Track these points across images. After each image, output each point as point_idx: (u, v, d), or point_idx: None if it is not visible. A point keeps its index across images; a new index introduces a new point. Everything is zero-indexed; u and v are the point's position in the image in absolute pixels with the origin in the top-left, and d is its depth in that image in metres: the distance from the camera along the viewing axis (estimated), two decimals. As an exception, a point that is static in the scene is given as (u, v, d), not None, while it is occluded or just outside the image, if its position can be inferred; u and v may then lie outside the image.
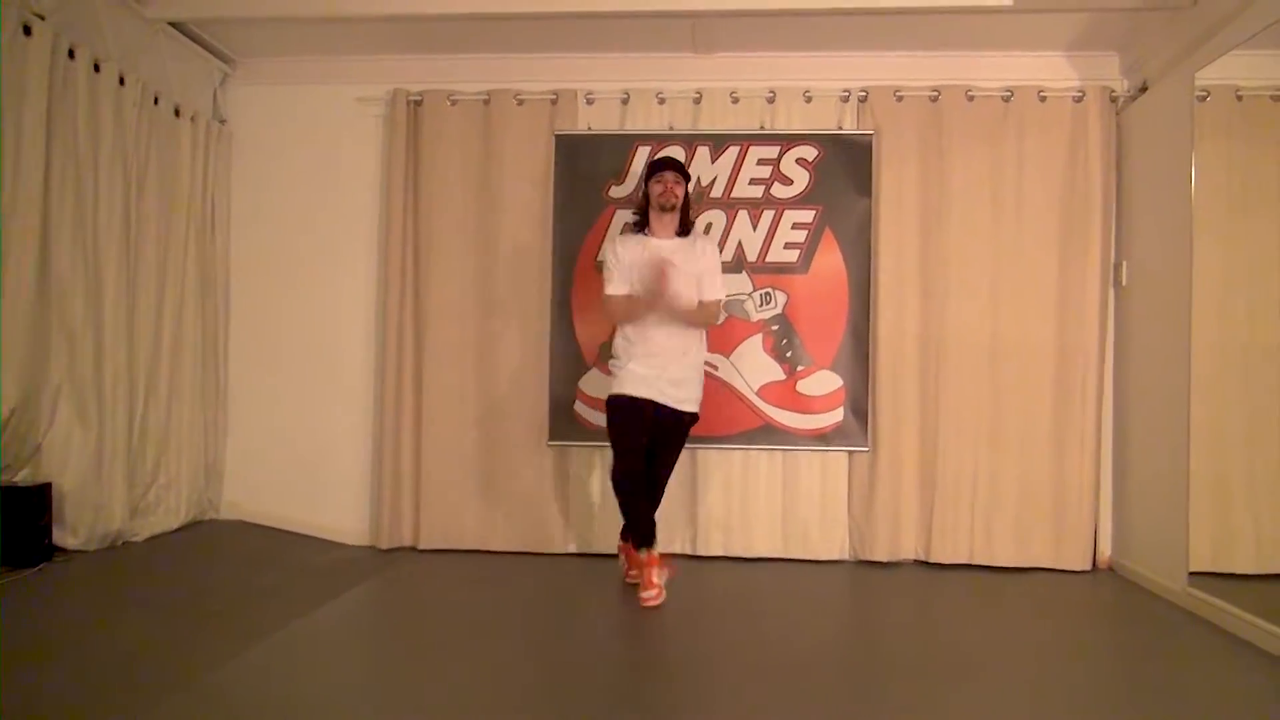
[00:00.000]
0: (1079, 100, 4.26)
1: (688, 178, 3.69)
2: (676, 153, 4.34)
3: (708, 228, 4.32)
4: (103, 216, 3.78)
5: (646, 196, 3.66)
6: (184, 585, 3.53)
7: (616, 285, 3.59)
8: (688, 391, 3.61)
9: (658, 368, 3.54)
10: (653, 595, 3.42)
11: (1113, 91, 4.28)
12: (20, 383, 3.42)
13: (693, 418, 3.68)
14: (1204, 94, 3.65)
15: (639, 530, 3.55)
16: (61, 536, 3.60)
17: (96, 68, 3.72)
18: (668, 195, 3.58)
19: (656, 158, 3.82)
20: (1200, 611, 3.46)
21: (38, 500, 3.43)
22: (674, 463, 3.74)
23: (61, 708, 2.26)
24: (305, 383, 4.62)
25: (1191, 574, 3.56)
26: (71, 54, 3.59)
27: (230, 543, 4.32)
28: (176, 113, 4.26)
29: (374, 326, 4.57)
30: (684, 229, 3.65)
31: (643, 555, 3.53)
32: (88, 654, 2.66)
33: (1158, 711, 2.56)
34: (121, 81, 3.86)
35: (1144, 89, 4.11)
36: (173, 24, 4.18)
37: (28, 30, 3.37)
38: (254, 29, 4.35)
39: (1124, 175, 4.26)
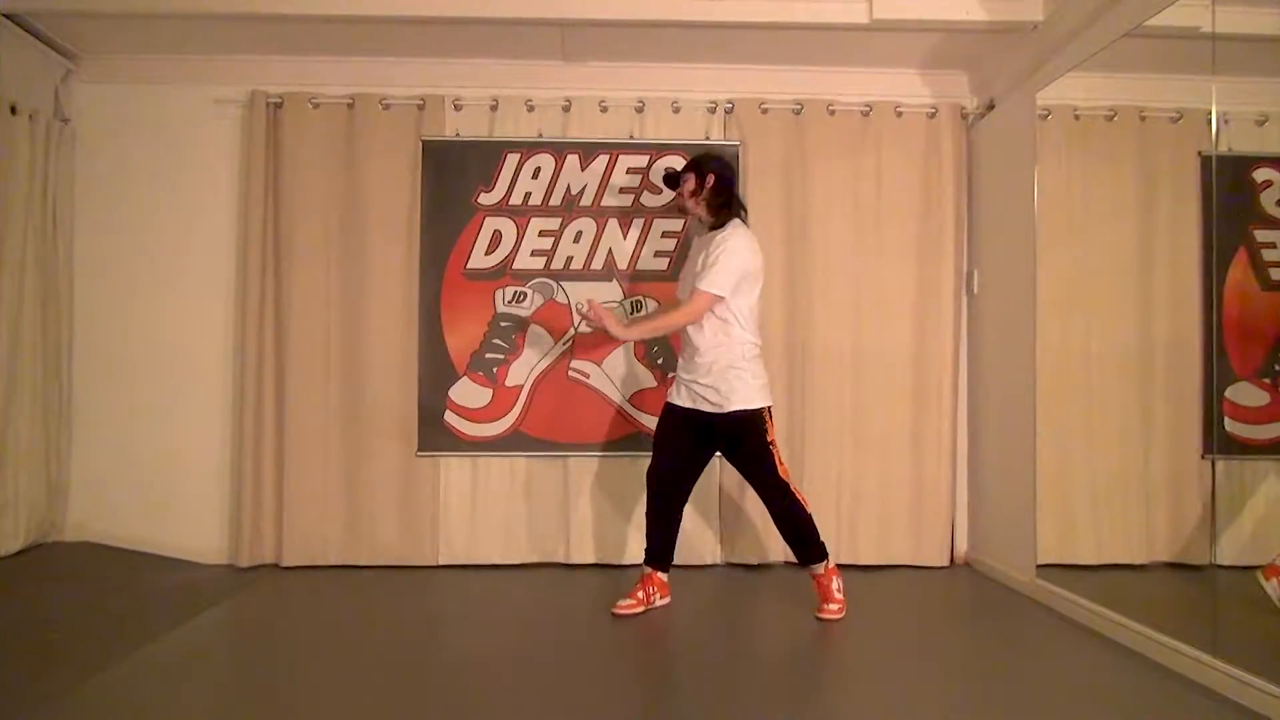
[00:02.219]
0: (933, 116, 4.46)
1: (680, 180, 3.66)
2: (546, 161, 4.34)
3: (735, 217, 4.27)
4: (-73, 219, 3.52)
5: None
6: (21, 614, 3.31)
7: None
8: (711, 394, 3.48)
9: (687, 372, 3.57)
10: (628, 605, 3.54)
11: (963, 108, 4.49)
12: None
13: (732, 417, 3.45)
14: (1045, 113, 3.88)
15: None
16: (-120, 564, 3.33)
17: (-81, 60, 3.48)
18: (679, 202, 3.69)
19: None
20: (1048, 601, 3.66)
21: None
22: (754, 476, 3.55)
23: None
24: (157, 395, 4.38)
25: (1040, 566, 3.77)
26: (-110, 44, 3.34)
27: (75, 566, 4.05)
28: (13, 110, 4.00)
29: (232, 336, 4.38)
30: (717, 223, 3.56)
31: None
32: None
33: (1008, 696, 2.71)
34: (-51, 75, 3.62)
35: (991, 107, 4.34)
36: (8, 16, 3.92)
37: None
38: (100, 24, 4.10)
39: (974, 188, 4.48)
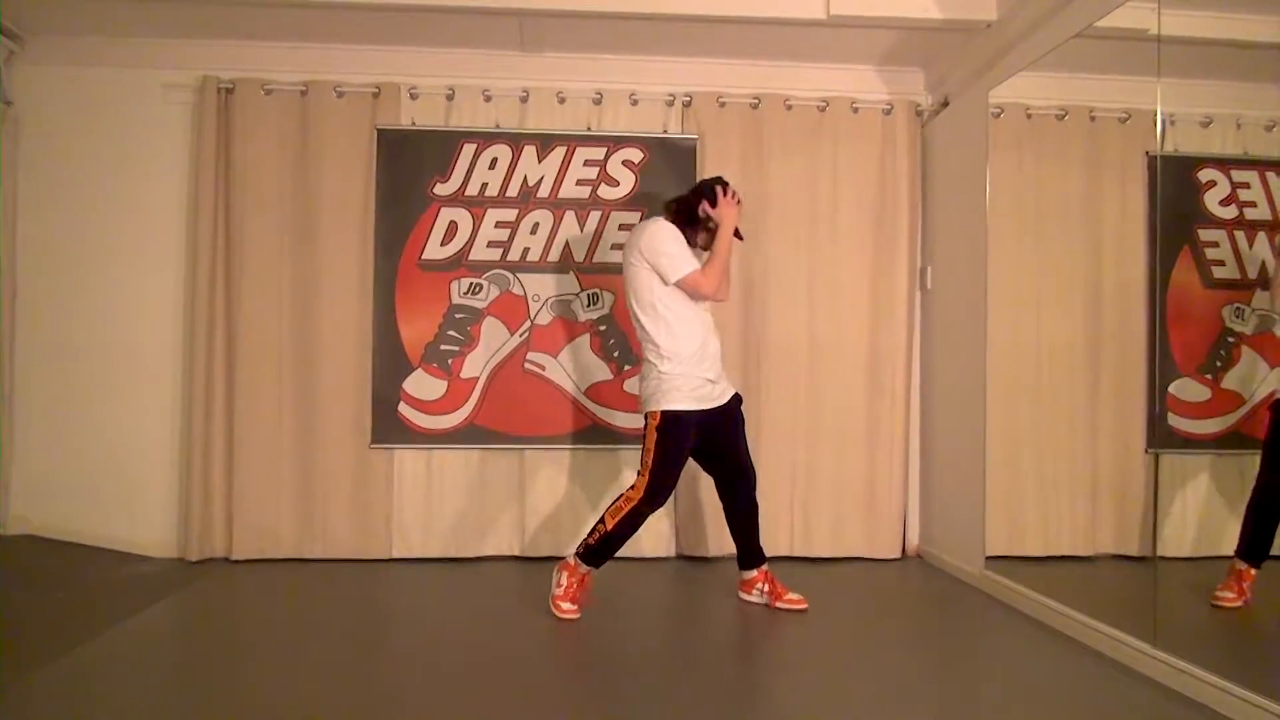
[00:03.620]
0: (888, 113, 4.49)
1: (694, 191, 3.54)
2: (503, 151, 4.31)
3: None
4: None
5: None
6: (-42, 608, 3.24)
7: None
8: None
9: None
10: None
11: (918, 105, 4.53)
12: None
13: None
14: (998, 111, 3.93)
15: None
16: None
17: None
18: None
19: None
20: (996, 593, 3.72)
21: None
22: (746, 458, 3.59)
23: None
24: (103, 384, 4.29)
25: (988, 558, 3.83)
26: None
27: (16, 561, 3.96)
28: (-48, 91, 3.90)
29: (181, 324, 4.30)
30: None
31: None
32: None
33: (958, 685, 2.77)
34: (-116, 54, 3.50)
35: (945, 104, 4.38)
36: (-53, -6, 3.82)
37: None
38: (43, 4, 4.00)
39: (928, 185, 4.53)
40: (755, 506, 3.58)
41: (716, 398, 3.40)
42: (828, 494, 4.41)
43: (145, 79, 4.34)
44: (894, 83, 4.57)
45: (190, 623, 3.40)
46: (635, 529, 3.35)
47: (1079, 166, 3.75)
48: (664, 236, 3.34)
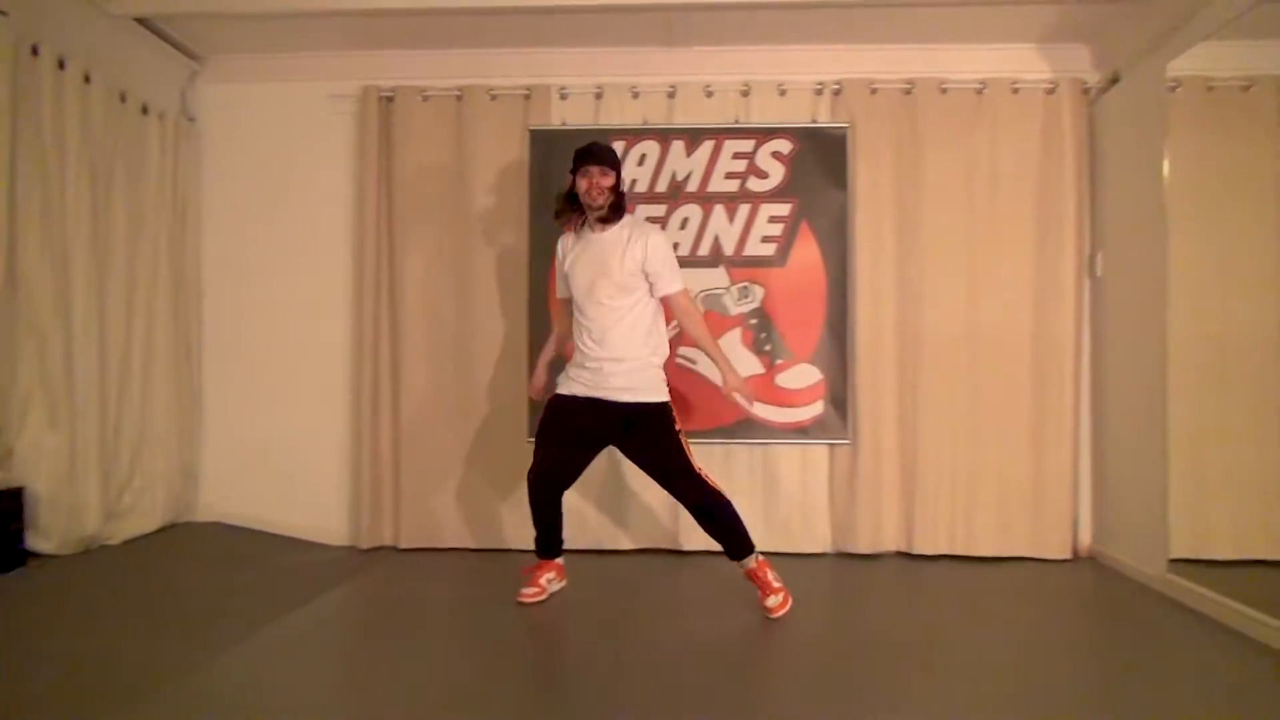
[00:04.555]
0: (1051, 92, 4.28)
1: (616, 165, 3.38)
2: (651, 147, 4.33)
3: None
4: (70, 216, 3.72)
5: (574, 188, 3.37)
6: (161, 588, 3.49)
7: (559, 288, 3.57)
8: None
9: None
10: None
11: (1085, 83, 4.30)
12: (-12, 387, 3.36)
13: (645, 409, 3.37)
14: (1175, 84, 3.68)
15: None
16: (35, 541, 3.54)
17: (61, 65, 3.66)
18: (593, 193, 3.29)
19: (581, 147, 3.38)
20: (1181, 598, 3.49)
21: (10, 505, 3.38)
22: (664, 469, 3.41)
23: (38, 713, 2.23)
24: (281, 381, 4.57)
25: (1171, 561, 3.60)
26: (35, 51, 3.53)
27: (208, 545, 4.25)
28: (144, 110, 4.20)
29: (350, 325, 4.53)
30: (608, 218, 3.34)
31: None
32: (63, 659, 2.62)
33: (1143, 699, 2.57)
34: (87, 79, 3.80)
35: (1115, 80, 4.14)
36: (138, 20, 4.11)
37: (-11, 28, 3.31)
38: (222, 25, 4.27)
39: (1097, 166, 4.29)
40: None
41: None
42: (991, 490, 4.25)
43: (311, 91, 4.59)
44: (1057, 60, 4.36)
45: (366, 605, 3.58)
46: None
47: (1268, 141, 3.47)
48: (669, 249, 3.40)
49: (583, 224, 3.40)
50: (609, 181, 3.31)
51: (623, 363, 3.31)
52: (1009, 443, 4.25)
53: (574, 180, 3.36)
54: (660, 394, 3.35)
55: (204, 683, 2.53)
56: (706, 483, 3.31)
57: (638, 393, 3.30)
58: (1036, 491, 4.23)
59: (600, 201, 3.30)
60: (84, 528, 3.76)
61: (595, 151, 3.33)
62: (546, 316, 4.33)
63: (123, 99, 4.05)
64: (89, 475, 3.79)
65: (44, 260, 3.58)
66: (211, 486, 4.60)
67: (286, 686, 2.58)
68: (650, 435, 3.34)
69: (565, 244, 3.51)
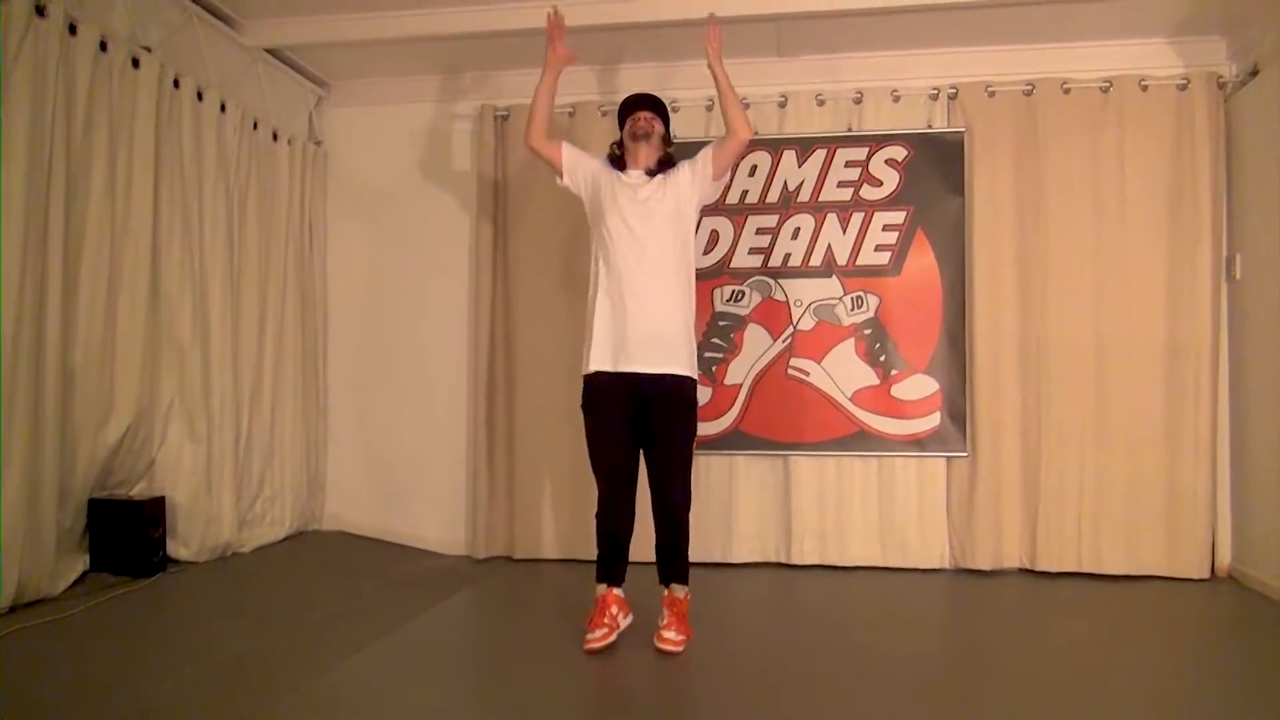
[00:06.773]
0: (1183, 88, 4.09)
1: (665, 115, 3.33)
2: (762, 158, 4.31)
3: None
4: (208, 238, 3.92)
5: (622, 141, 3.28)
6: (291, 595, 3.62)
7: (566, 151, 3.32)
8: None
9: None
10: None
11: (1220, 77, 4.10)
12: (135, 400, 3.55)
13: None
14: (1321, 76, 3.47)
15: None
16: (175, 548, 3.73)
17: (200, 96, 3.87)
18: (643, 125, 3.20)
19: (627, 96, 3.38)
20: (1332, 621, 3.27)
21: (153, 513, 3.56)
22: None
23: (179, 709, 2.34)
24: (402, 395, 4.72)
25: (1321, 582, 3.37)
26: (176, 83, 3.74)
27: (332, 553, 4.41)
28: (275, 136, 4.40)
29: (467, 340, 4.64)
30: (663, 165, 3.24)
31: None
32: (202, 660, 2.75)
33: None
34: (223, 108, 4.00)
35: (1254, 73, 3.92)
36: (269, 51, 4.32)
37: (135, 63, 3.51)
38: (345, 52, 4.46)
39: (1234, 165, 4.08)
40: None
41: None
42: (1120, 504, 4.06)
43: (431, 112, 4.74)
44: (1190, 54, 4.16)
45: (483, 613, 3.67)
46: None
47: None
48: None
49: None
50: (659, 127, 3.27)
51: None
52: (1140, 455, 4.06)
53: (622, 135, 3.29)
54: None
55: (333, 684, 2.63)
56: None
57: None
58: (1170, 507, 4.03)
59: (649, 129, 3.22)
60: (219, 535, 3.94)
61: (643, 97, 3.33)
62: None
63: (255, 126, 4.25)
64: (224, 485, 3.97)
65: (184, 279, 3.78)
66: (336, 497, 4.78)
67: (409, 691, 2.64)
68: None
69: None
